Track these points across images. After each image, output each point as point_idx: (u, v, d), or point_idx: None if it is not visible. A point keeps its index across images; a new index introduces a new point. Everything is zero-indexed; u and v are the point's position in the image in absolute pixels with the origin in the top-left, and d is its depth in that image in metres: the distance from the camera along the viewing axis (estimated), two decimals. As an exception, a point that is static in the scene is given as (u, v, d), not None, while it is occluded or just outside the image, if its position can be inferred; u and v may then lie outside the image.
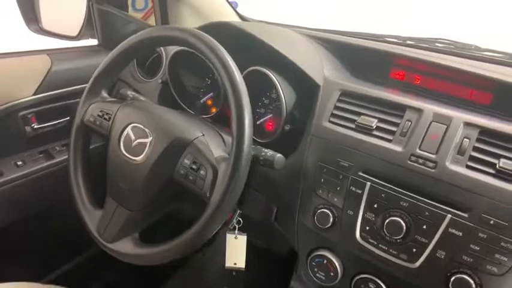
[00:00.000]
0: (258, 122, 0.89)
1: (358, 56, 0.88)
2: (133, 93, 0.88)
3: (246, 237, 0.73)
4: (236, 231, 0.72)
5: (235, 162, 0.56)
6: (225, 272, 0.77)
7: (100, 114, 0.72)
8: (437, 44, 0.96)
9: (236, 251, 0.74)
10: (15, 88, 0.88)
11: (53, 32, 1.06)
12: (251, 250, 0.78)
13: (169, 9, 1.11)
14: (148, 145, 0.65)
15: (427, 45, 0.90)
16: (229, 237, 0.73)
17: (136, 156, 0.65)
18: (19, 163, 0.92)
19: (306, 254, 0.66)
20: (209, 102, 0.97)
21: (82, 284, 0.87)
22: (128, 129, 0.67)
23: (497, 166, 0.54)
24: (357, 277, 0.60)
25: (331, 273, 0.62)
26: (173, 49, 0.88)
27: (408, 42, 0.95)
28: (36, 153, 0.96)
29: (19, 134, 0.91)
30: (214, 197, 0.57)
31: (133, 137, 0.67)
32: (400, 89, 0.82)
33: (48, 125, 0.96)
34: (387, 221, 0.56)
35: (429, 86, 0.82)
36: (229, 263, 0.76)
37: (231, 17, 1.16)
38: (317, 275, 0.64)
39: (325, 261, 0.62)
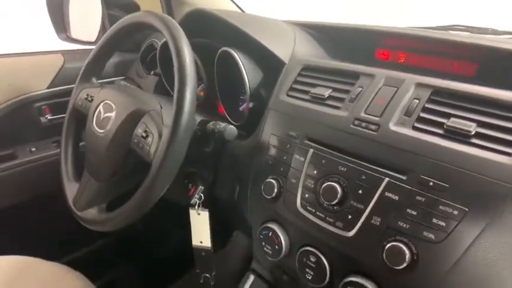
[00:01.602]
0: (240, 108, 0.90)
1: (344, 39, 0.86)
2: (125, 83, 0.95)
3: (208, 213, 0.73)
4: (197, 207, 0.73)
5: (174, 128, 0.57)
6: (196, 253, 0.77)
7: (86, 97, 0.79)
8: (450, 32, 0.90)
9: (200, 228, 0.74)
10: (30, 82, 1.00)
11: (78, 39, 1.19)
12: (219, 230, 0.77)
13: (175, 11, 1.19)
14: (111, 118, 0.69)
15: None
16: (193, 213, 0.73)
17: (102, 129, 0.70)
18: (33, 149, 1.03)
19: (257, 228, 0.64)
20: (201, 93, 1.01)
21: (92, 270, 0.92)
22: (100, 106, 0.73)
23: (444, 125, 0.48)
24: (300, 250, 0.56)
25: (276, 247, 0.59)
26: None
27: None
28: (50, 142, 1.07)
29: (35, 123, 1.03)
30: (155, 161, 0.59)
31: (102, 112, 0.72)
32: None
33: (61, 117, 1.06)
34: (323, 186, 0.53)
35: (413, 63, 0.77)
36: (195, 241, 0.75)
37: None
38: (264, 248, 0.61)
39: (270, 234, 0.59)
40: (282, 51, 0.75)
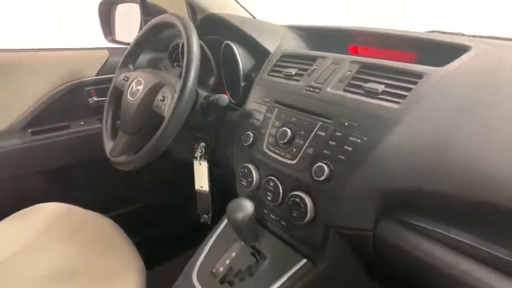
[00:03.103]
0: (241, 92, 1.14)
1: (323, 38, 1.07)
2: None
3: (207, 163, 0.96)
4: (199, 159, 0.96)
5: (181, 91, 0.81)
6: (197, 196, 1.00)
7: (124, 78, 1.06)
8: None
9: (200, 175, 0.97)
10: (83, 70, 1.29)
11: (121, 40, 1.49)
12: (215, 180, 1.00)
13: (198, 17, 1.45)
14: (140, 89, 0.95)
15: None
16: (196, 163, 0.97)
17: (133, 98, 0.96)
18: (82, 123, 1.31)
19: (238, 170, 0.86)
20: (213, 82, 1.26)
21: (131, 225, 1.13)
22: (133, 82, 0.99)
23: (363, 87, 0.69)
24: (264, 179, 0.78)
25: (249, 179, 0.81)
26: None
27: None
28: (95, 119, 1.35)
29: (84, 103, 1.32)
30: (167, 115, 0.83)
31: (134, 86, 0.98)
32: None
33: (104, 99, 1.34)
34: (279, 130, 0.75)
35: (375, 55, 0.97)
36: (197, 186, 0.98)
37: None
38: (242, 182, 0.83)
39: (246, 170, 0.81)
40: (270, 44, 0.98)
